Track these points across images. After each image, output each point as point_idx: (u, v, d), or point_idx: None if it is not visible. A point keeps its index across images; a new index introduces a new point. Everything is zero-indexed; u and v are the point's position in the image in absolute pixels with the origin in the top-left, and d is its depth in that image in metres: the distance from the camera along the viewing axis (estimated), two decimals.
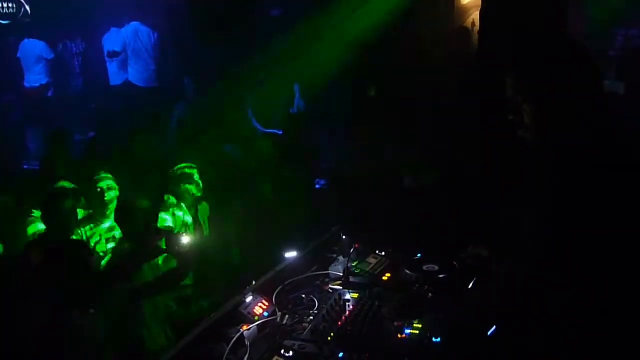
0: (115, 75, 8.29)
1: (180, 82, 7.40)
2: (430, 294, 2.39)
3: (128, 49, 8.04)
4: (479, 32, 4.33)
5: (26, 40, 8.32)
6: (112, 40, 8.17)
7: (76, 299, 2.71)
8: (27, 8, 8.23)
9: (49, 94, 8.52)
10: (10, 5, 8.18)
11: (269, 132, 6.68)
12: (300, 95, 7.62)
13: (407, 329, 2.14)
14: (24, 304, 3.29)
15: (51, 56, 8.38)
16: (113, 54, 8.07)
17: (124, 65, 8.16)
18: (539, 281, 1.84)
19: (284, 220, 4.30)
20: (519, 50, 1.90)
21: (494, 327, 2.04)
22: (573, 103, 1.76)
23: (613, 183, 1.69)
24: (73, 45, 8.80)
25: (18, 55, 8.38)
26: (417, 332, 2.12)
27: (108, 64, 8.32)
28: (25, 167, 7.18)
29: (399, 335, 2.12)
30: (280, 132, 6.58)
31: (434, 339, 2.05)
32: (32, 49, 8.35)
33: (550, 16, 3.63)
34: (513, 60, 1.88)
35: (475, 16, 6.95)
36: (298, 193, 4.66)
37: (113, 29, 8.22)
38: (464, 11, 7.41)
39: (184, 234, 2.78)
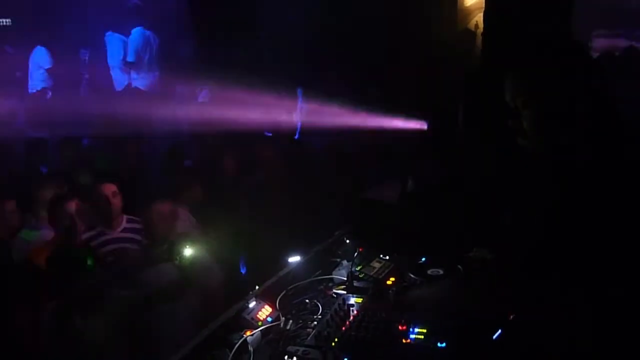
0: (120, 81, 8.31)
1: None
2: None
3: (135, 54, 8.06)
4: (483, 34, 4.31)
5: (37, 47, 8.35)
6: (120, 47, 8.18)
7: (78, 304, 2.71)
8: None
9: (48, 98, 8.53)
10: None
11: (270, 136, 6.67)
12: (303, 100, 7.61)
13: (412, 333, 2.12)
14: (28, 308, 3.31)
15: (49, 65, 8.38)
16: (128, 64, 8.06)
17: (129, 71, 8.18)
18: (542, 284, 1.83)
19: (286, 225, 4.28)
20: (519, 53, 1.88)
21: (499, 331, 2.02)
22: (575, 108, 1.74)
23: (616, 189, 1.66)
24: (75, 50, 8.81)
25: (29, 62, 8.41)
26: (422, 337, 2.10)
27: (113, 71, 8.33)
28: None
29: (404, 340, 2.10)
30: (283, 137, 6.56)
31: (439, 344, 2.03)
32: (36, 55, 8.37)
33: (554, 18, 3.61)
34: (513, 63, 1.85)
35: (478, 18, 6.95)
36: (300, 197, 4.64)
37: (118, 35, 8.24)
38: (468, 13, 7.39)
39: (188, 245, 2.74)
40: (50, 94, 8.53)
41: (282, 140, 6.08)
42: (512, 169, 2.26)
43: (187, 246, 2.71)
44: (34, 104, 8.25)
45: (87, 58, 8.62)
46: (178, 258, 2.67)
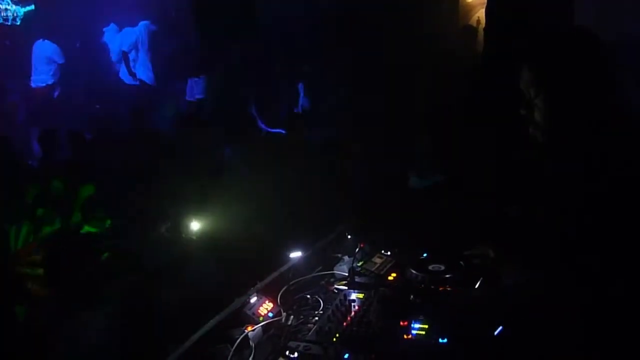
0: (126, 74, 8.30)
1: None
2: None
3: (141, 47, 8.07)
4: (485, 30, 4.30)
5: (40, 41, 8.31)
6: (125, 39, 8.18)
7: (80, 293, 2.69)
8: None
9: (55, 94, 8.52)
10: (5, 7, 8.24)
11: (273, 132, 6.67)
12: (304, 94, 7.61)
13: (414, 329, 2.12)
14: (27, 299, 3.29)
15: (62, 60, 8.35)
16: (126, 54, 8.06)
17: (135, 64, 8.18)
18: (546, 281, 1.82)
19: (288, 220, 4.26)
20: (532, 41, 1.87)
21: (501, 327, 2.02)
22: (586, 99, 1.73)
23: (627, 183, 1.65)
24: (78, 44, 8.80)
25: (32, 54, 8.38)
26: (424, 332, 2.10)
27: (119, 64, 8.33)
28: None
29: (405, 336, 2.10)
30: (284, 132, 6.56)
31: (440, 340, 2.03)
32: (44, 50, 8.33)
33: (558, 9, 3.59)
34: (527, 52, 1.84)
35: (480, 14, 6.93)
36: (301, 192, 4.62)
37: (124, 28, 8.24)
38: (469, 9, 7.38)
39: (194, 219, 2.68)
40: (59, 89, 8.51)
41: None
42: (518, 162, 2.26)
43: (194, 220, 2.66)
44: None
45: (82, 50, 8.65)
46: (184, 233, 2.62)
